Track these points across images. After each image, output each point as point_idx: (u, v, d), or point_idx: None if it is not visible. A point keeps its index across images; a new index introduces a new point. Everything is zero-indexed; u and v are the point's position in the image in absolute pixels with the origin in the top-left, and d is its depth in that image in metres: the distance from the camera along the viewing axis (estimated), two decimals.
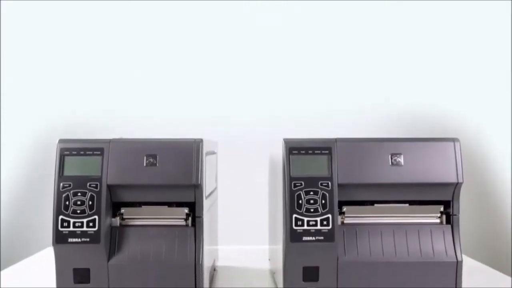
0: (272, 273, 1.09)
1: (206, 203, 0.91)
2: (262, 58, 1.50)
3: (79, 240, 0.83)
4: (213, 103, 1.50)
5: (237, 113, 1.49)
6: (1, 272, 1.12)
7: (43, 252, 1.32)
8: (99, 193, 0.84)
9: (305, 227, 0.84)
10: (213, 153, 1.06)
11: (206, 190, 0.91)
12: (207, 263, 0.91)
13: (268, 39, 1.50)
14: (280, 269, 0.90)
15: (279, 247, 0.90)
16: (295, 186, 0.85)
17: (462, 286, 0.86)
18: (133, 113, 1.49)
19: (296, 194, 0.85)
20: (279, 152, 0.91)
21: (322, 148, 0.87)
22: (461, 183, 0.86)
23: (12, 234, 1.48)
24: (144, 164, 0.85)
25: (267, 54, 1.50)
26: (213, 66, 1.50)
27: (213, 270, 1.08)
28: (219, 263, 1.17)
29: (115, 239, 0.86)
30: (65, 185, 0.84)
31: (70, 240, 0.83)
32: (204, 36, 1.50)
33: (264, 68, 1.50)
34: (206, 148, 0.91)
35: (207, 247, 0.90)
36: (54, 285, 0.85)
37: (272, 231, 1.09)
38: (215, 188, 1.11)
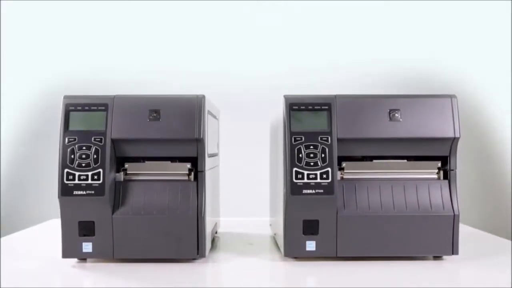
0: (273, 236, 1.10)
1: (208, 161, 0.92)
2: (262, 13, 1.50)
3: (84, 192, 0.85)
4: (214, 61, 1.50)
5: (238, 71, 1.50)
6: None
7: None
8: (103, 147, 0.86)
9: (305, 180, 0.86)
10: (216, 117, 1.07)
11: (208, 149, 0.93)
12: (209, 217, 0.92)
13: None
14: (281, 233, 0.92)
15: (280, 203, 0.91)
16: (295, 140, 0.87)
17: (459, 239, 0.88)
18: (130, 71, 1.50)
19: (297, 148, 0.86)
20: (279, 111, 0.93)
21: (322, 104, 0.88)
22: (458, 138, 0.88)
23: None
24: (148, 119, 0.87)
25: (267, 9, 1.50)
26: (214, 25, 1.50)
27: (215, 233, 1.10)
28: (220, 231, 1.18)
29: (119, 193, 0.88)
30: (70, 139, 0.86)
31: (75, 192, 0.85)
32: None
33: (264, 25, 1.51)
34: (208, 107, 0.92)
35: (209, 203, 0.92)
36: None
37: (273, 199, 1.10)
38: (217, 154, 1.13)
